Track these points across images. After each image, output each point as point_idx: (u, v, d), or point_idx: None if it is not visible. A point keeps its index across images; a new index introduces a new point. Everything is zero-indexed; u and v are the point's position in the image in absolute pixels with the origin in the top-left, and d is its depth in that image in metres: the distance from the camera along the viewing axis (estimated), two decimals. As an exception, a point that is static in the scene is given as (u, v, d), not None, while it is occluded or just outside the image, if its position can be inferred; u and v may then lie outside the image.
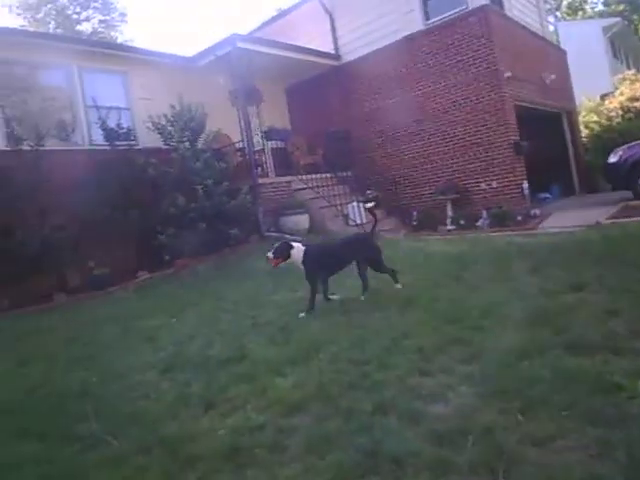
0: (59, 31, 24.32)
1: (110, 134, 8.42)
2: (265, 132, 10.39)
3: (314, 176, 9.72)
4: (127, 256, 7.53)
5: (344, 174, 10.30)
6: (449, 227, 9.22)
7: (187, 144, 8.56)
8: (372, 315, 3.91)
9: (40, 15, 25.97)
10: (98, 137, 8.66)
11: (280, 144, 10.75)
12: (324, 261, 4.43)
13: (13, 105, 8.10)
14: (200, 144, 8.81)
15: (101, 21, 27.47)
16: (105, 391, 3.24)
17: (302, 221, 9.08)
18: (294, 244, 4.44)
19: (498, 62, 9.30)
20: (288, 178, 9.97)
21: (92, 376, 3.53)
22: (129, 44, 21.60)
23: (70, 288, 7.11)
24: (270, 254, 4.33)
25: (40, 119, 8.00)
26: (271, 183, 9.78)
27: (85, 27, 26.66)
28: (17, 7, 25.42)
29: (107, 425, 2.72)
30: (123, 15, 28.00)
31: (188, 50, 28.06)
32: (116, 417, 2.83)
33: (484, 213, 8.93)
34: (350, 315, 4.04)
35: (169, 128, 8.72)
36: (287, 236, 7.77)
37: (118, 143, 8.46)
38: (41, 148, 7.36)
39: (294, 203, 9.29)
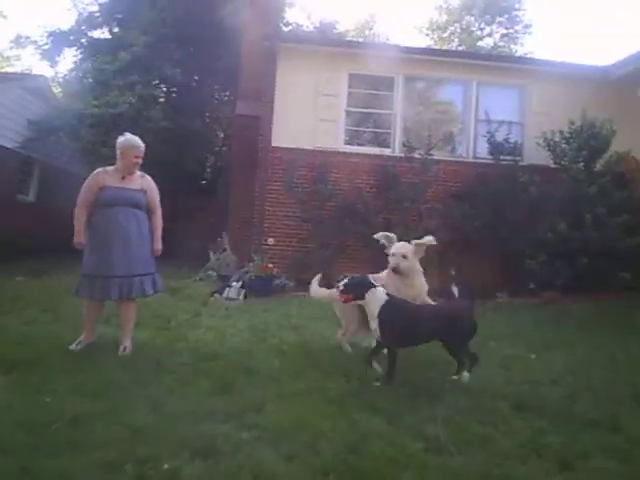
0: (461, 48, 27.29)
1: (496, 148, 8.89)
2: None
3: None
4: (487, 273, 7.80)
5: None
6: None
7: (581, 165, 8.22)
8: None
9: (445, 34, 29.93)
10: (482, 150, 9.33)
11: None
12: (405, 324, 3.73)
13: (409, 117, 9.76)
14: (598, 166, 8.24)
15: (503, 35, 29.17)
16: (453, 400, 3.45)
17: None
18: (377, 287, 3.80)
19: None
20: None
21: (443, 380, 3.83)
22: (529, 56, 22.27)
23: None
24: (341, 285, 3.85)
25: (430, 130, 9.21)
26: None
27: (486, 42, 28.96)
28: (427, 28, 30.21)
29: (450, 434, 2.92)
30: (527, 27, 28.81)
31: (599, 59, 26.66)
32: (462, 432, 2.99)
33: None
34: None
35: (563, 145, 8.54)
36: None
37: (502, 158, 8.85)
38: (429, 157, 8.57)
39: None
